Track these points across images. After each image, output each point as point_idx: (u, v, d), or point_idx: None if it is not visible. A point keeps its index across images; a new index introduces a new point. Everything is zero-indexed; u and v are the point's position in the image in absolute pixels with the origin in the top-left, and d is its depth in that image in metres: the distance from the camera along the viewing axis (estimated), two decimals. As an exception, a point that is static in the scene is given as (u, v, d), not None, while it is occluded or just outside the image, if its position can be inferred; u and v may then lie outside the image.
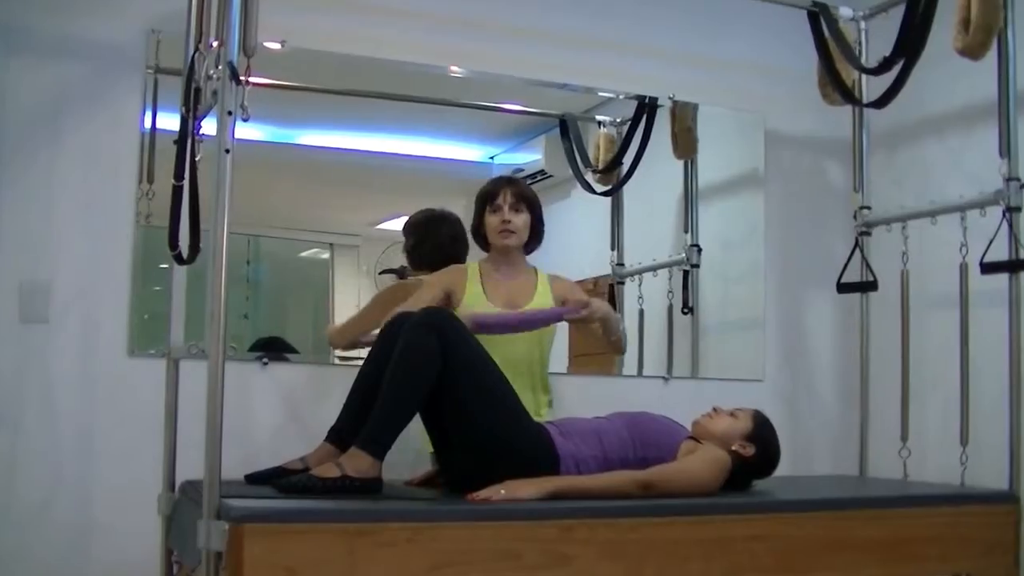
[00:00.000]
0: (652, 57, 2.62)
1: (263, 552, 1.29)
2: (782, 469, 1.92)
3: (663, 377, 2.59)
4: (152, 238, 2.09)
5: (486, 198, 1.98)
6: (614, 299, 2.74)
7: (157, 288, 2.09)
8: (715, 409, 1.88)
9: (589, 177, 2.73)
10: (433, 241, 2.10)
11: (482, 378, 1.68)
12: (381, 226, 2.39)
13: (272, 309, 2.41)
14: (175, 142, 1.74)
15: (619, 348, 2.00)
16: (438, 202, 2.20)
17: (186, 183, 1.68)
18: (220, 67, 1.54)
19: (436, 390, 1.65)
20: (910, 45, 1.99)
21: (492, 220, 2.01)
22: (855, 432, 2.56)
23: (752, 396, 2.46)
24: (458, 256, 2.17)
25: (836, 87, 2.33)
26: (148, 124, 2.15)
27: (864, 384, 2.57)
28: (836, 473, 2.59)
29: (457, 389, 1.64)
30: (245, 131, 1.58)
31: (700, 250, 2.75)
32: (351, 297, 2.35)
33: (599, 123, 2.76)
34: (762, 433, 1.86)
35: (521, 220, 2.05)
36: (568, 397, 2.33)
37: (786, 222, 2.80)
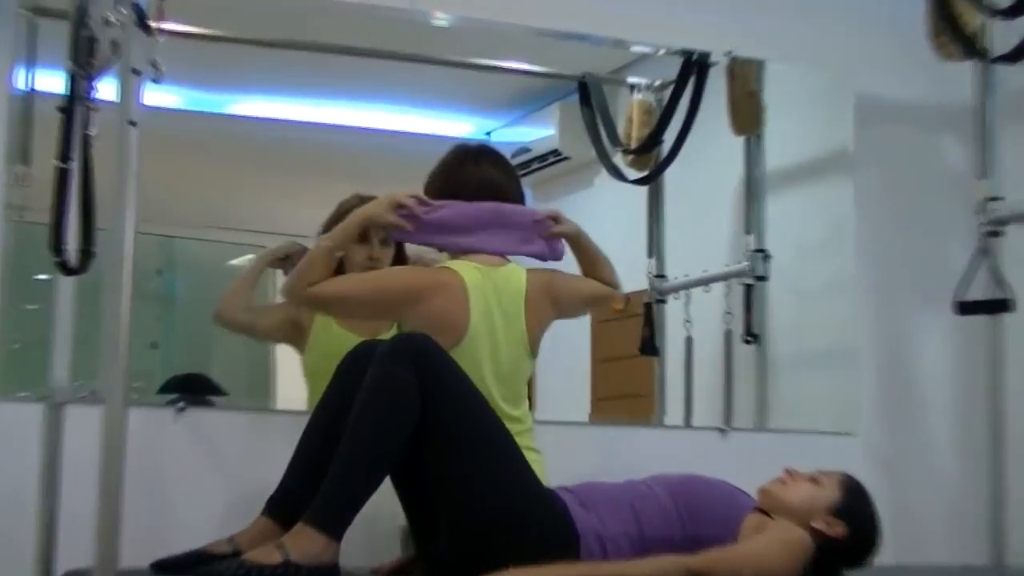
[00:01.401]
0: (703, 0, 2.64)
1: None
2: (883, 555, 1.87)
3: (719, 429, 2.59)
4: (27, 239, 2.03)
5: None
6: (652, 322, 2.83)
7: (32, 307, 2.05)
8: (790, 472, 1.84)
9: (619, 160, 2.78)
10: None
11: (476, 427, 1.65)
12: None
13: (192, 336, 2.43)
14: (60, 109, 1.67)
15: (615, 283, 1.97)
16: (419, 190, 2.13)
17: (75, 165, 1.65)
18: (123, 9, 1.53)
19: (413, 445, 1.62)
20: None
21: (358, 253, 2.05)
22: (985, 504, 2.48)
23: (841, 455, 2.31)
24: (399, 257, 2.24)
25: (954, 37, 2.28)
26: (22, 84, 2.09)
27: (996, 438, 2.51)
28: (960, 562, 2.52)
29: (443, 444, 1.61)
30: (158, 96, 1.57)
31: (768, 257, 2.78)
32: (302, 318, 2.41)
33: (632, 88, 2.80)
34: (855, 505, 1.81)
35: (388, 253, 2.14)
36: (590, 455, 2.34)
37: (884, 219, 2.77)
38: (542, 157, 3.49)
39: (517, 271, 1.89)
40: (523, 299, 1.85)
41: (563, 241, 1.95)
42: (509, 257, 1.91)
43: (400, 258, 2.15)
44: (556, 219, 1.94)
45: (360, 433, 1.57)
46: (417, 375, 1.61)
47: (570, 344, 3.33)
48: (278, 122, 2.59)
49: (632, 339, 2.93)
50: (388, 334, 1.95)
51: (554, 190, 3.42)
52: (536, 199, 3.53)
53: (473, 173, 1.89)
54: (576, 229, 1.96)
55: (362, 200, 2.10)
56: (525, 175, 3.56)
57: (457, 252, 1.88)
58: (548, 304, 1.89)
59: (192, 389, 2.34)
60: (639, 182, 2.79)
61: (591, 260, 1.95)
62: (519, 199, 1.95)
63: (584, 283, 1.95)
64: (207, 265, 2.48)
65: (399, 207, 1.83)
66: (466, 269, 1.83)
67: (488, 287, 1.83)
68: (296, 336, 2.24)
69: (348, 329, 2.17)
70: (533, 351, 1.87)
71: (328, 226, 2.16)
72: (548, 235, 1.91)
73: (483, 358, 1.76)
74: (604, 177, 2.85)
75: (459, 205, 1.85)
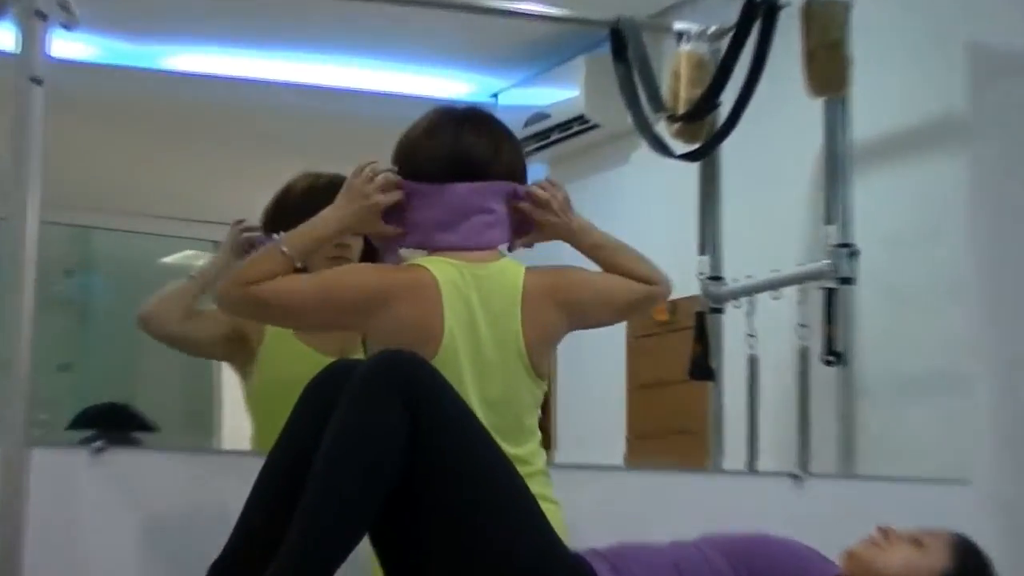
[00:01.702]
0: (770, -79, 2.67)
1: None
2: (1009, 641, 1.96)
3: (792, 475, 2.51)
4: None
5: (314, 208, 1.92)
6: (704, 338, 2.83)
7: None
8: (885, 532, 1.80)
9: (663, 128, 2.79)
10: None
11: (482, 473, 1.61)
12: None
13: (113, 355, 2.60)
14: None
15: (655, 278, 1.93)
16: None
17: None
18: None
19: (400, 497, 1.58)
20: None
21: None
22: None
23: (951, 508, 2.30)
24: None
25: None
26: None
27: None
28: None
29: (438, 494, 1.57)
30: (70, 47, 1.56)
31: (854, 253, 2.74)
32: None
33: (679, 36, 2.78)
34: (969, 574, 1.80)
35: (357, 245, 2.15)
36: (625, 508, 2.31)
37: (1006, 204, 2.74)
38: (563, 125, 3.59)
39: (511, 267, 1.85)
40: (518, 301, 1.81)
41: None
42: (504, 251, 1.89)
43: (372, 250, 2.12)
44: (540, 196, 1.87)
45: (332, 485, 1.53)
46: (407, 411, 1.57)
47: (599, 365, 3.50)
48: (227, 81, 2.63)
49: (679, 359, 2.93)
50: (361, 352, 1.94)
51: (578, 168, 3.68)
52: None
53: (444, 145, 1.84)
54: (567, 225, 1.89)
55: (314, 182, 2.13)
56: (540, 149, 3.73)
57: (431, 250, 1.87)
58: (555, 309, 1.84)
59: (113, 423, 2.38)
60: (688, 157, 2.79)
61: (609, 252, 1.91)
62: (516, 180, 1.89)
63: (610, 281, 1.89)
64: (133, 264, 2.62)
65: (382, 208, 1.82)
66: (438, 265, 1.81)
67: (468, 285, 1.80)
68: (240, 353, 2.22)
69: (310, 344, 2.16)
70: (537, 370, 1.81)
71: (271, 218, 2.16)
72: (524, 215, 1.87)
73: (464, 376, 1.73)
74: (644, 151, 2.86)
75: (421, 192, 1.82)
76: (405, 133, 1.87)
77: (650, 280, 1.90)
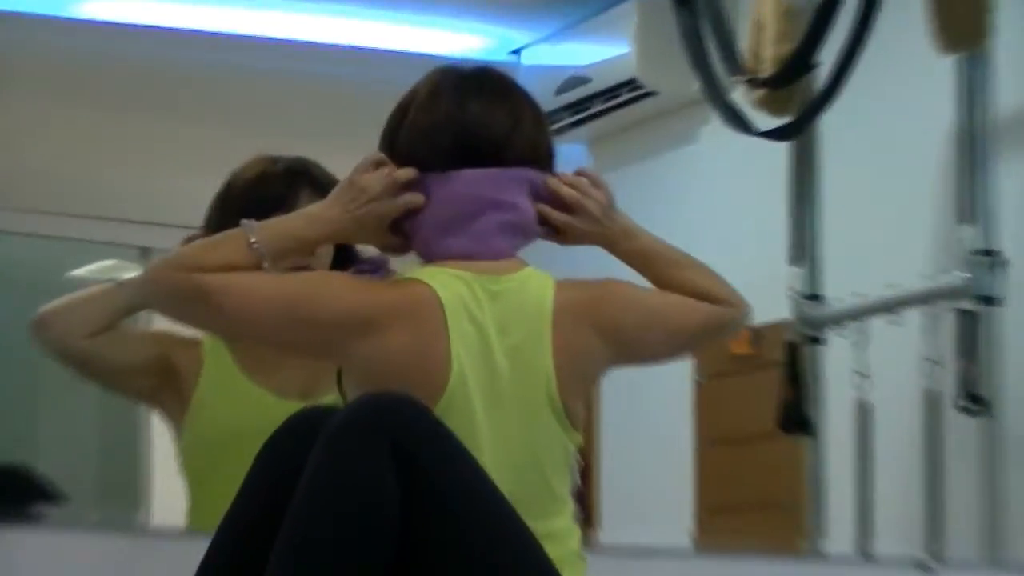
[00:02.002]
0: None
1: None
2: None
3: (919, 563, 2.54)
4: None
5: (267, 200, 2.03)
6: (798, 377, 2.87)
7: None
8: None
9: (741, 95, 2.86)
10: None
11: (501, 558, 1.66)
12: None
13: (5, 398, 2.44)
14: None
15: (728, 296, 1.98)
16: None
17: None
18: None
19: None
20: None
21: None
22: None
23: None
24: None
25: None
26: None
27: None
28: None
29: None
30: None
31: (1001, 264, 2.78)
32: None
33: (762, -25, 3.04)
34: None
35: (325, 258, 2.20)
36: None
37: None
38: (608, 93, 3.55)
39: (537, 279, 1.90)
40: (547, 326, 1.86)
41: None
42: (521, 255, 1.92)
43: (346, 255, 2.17)
44: (566, 196, 1.91)
45: (302, 572, 1.60)
46: (399, 472, 1.63)
47: (656, 414, 3.48)
48: (169, 33, 2.64)
49: (764, 406, 2.97)
50: (334, 394, 1.98)
51: (626, 150, 3.63)
52: (596, 164, 3.70)
53: (446, 117, 1.90)
54: (605, 233, 1.94)
55: (268, 168, 2.19)
56: (576, 124, 3.67)
57: (433, 259, 1.92)
58: (595, 335, 1.88)
59: (6, 492, 2.34)
60: (775, 135, 2.84)
61: (664, 264, 1.96)
62: (540, 165, 1.94)
63: (667, 300, 1.94)
64: (32, 277, 2.49)
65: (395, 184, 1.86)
66: (441, 279, 1.86)
67: (481, 305, 1.85)
68: (169, 393, 2.25)
69: (264, 384, 2.21)
70: (571, 417, 1.86)
71: (210, 215, 2.22)
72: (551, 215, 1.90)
73: (477, 428, 1.79)
74: (715, 128, 2.94)
75: (426, 182, 1.88)
76: (397, 104, 1.91)
77: (721, 299, 1.94)
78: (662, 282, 1.91)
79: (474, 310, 1.82)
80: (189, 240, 2.06)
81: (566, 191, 1.88)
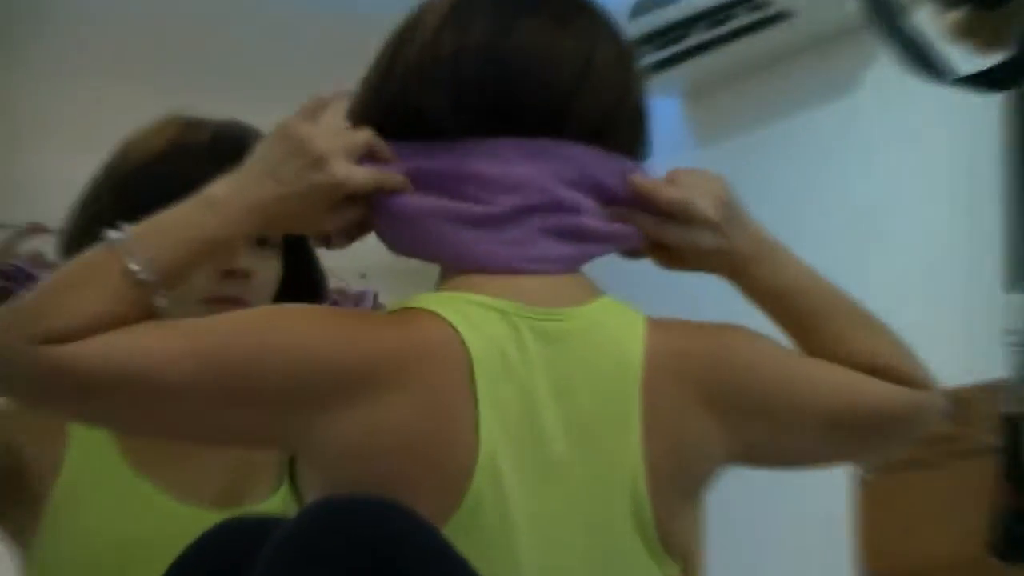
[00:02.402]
0: None
1: None
2: None
3: None
4: None
5: (177, 187, 1.98)
6: (1020, 465, 2.92)
7: None
8: None
9: (928, 19, 2.89)
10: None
11: None
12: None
13: None
14: None
15: (918, 378, 1.93)
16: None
17: None
18: None
19: None
20: None
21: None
22: None
23: None
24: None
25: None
26: None
27: None
28: None
29: None
30: None
31: None
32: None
33: None
34: None
35: (273, 267, 2.24)
36: None
37: None
38: (712, 15, 3.69)
39: (619, 314, 1.85)
40: (635, 392, 1.81)
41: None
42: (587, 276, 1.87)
43: (304, 275, 2.19)
44: (657, 196, 1.85)
45: None
46: None
47: (797, 527, 3.56)
48: None
49: (967, 517, 2.98)
50: (273, 499, 2.05)
51: (742, 105, 3.70)
52: (693, 129, 3.84)
53: (481, 46, 1.82)
54: (728, 249, 1.88)
55: (181, 135, 2.21)
56: (667, 63, 3.84)
57: (452, 267, 1.85)
58: (709, 416, 1.84)
59: None
60: (983, 83, 2.85)
61: (824, 317, 1.93)
62: (621, 140, 1.82)
63: (829, 375, 1.89)
64: None
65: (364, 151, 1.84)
66: (466, 309, 1.81)
67: (528, 356, 1.82)
68: (12, 498, 2.24)
69: (160, 483, 2.19)
70: (668, 543, 1.81)
71: (88, 215, 2.21)
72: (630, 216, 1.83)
73: (516, 554, 1.78)
74: (884, 72, 3.09)
75: (424, 155, 1.81)
76: (393, 32, 1.87)
77: (915, 381, 1.87)
78: (818, 342, 1.88)
79: (517, 363, 1.78)
80: (35, 257, 2.23)
81: (648, 183, 1.81)
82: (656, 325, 1.78)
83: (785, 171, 3.58)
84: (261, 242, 2.18)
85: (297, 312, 1.81)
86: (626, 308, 1.81)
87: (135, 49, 4.29)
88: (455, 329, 1.73)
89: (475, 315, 1.76)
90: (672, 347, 1.78)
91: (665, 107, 3.77)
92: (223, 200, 1.80)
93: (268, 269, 2.16)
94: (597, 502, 1.75)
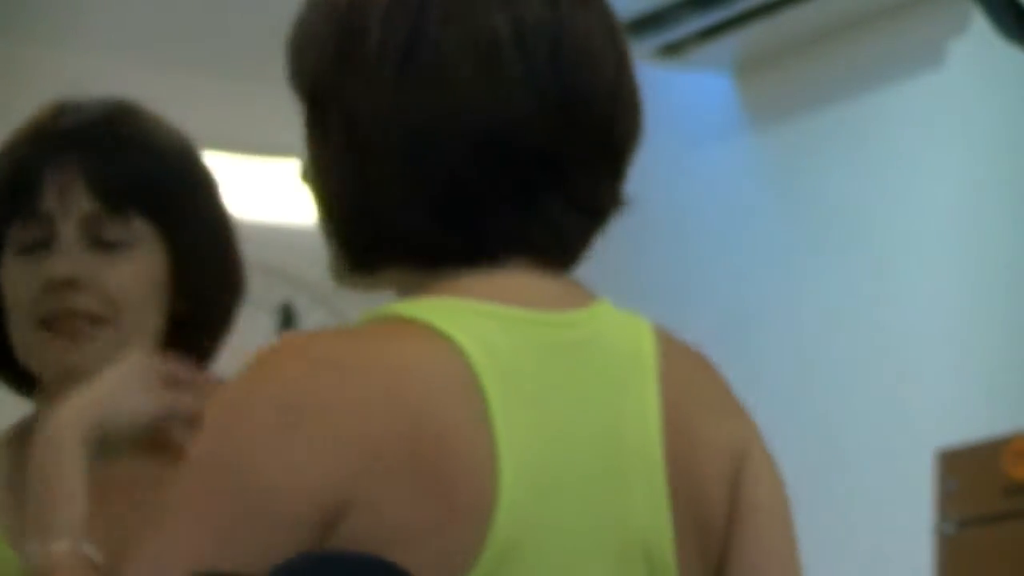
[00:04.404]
0: None
1: None
2: None
3: None
4: None
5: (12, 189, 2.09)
6: None
7: None
8: None
9: None
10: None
11: None
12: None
13: None
14: None
15: None
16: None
17: None
18: None
19: None
20: None
21: (25, 273, 2.19)
22: None
23: None
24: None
25: None
26: None
27: None
28: None
29: None
30: None
31: None
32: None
33: None
34: None
35: (128, 272, 2.19)
36: None
37: None
38: None
39: (622, 323, 1.82)
40: (654, 417, 1.76)
41: None
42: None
43: (188, 336, 2.13)
44: None
45: None
46: None
47: None
48: None
49: None
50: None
51: (809, 81, 3.76)
52: (746, 111, 3.91)
53: (539, 24, 1.69)
54: None
55: (42, 125, 2.17)
56: (706, 34, 3.83)
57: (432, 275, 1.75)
58: (726, 488, 1.77)
59: None
60: None
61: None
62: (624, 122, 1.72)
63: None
64: None
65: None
66: (466, 320, 1.75)
67: (549, 374, 1.77)
68: None
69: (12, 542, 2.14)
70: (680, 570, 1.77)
71: None
72: None
73: None
74: (978, 40, 3.11)
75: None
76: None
77: None
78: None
79: (540, 381, 1.70)
80: None
81: None
82: (665, 338, 1.74)
83: (854, 162, 3.56)
84: (105, 244, 2.09)
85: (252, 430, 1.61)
86: (625, 314, 1.77)
87: (144, 28, 4.40)
88: (455, 345, 1.63)
89: (467, 318, 1.70)
90: (686, 363, 1.72)
91: (712, 84, 3.74)
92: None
93: (119, 275, 2.08)
94: (619, 533, 1.67)
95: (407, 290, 1.69)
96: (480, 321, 1.68)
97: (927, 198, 3.58)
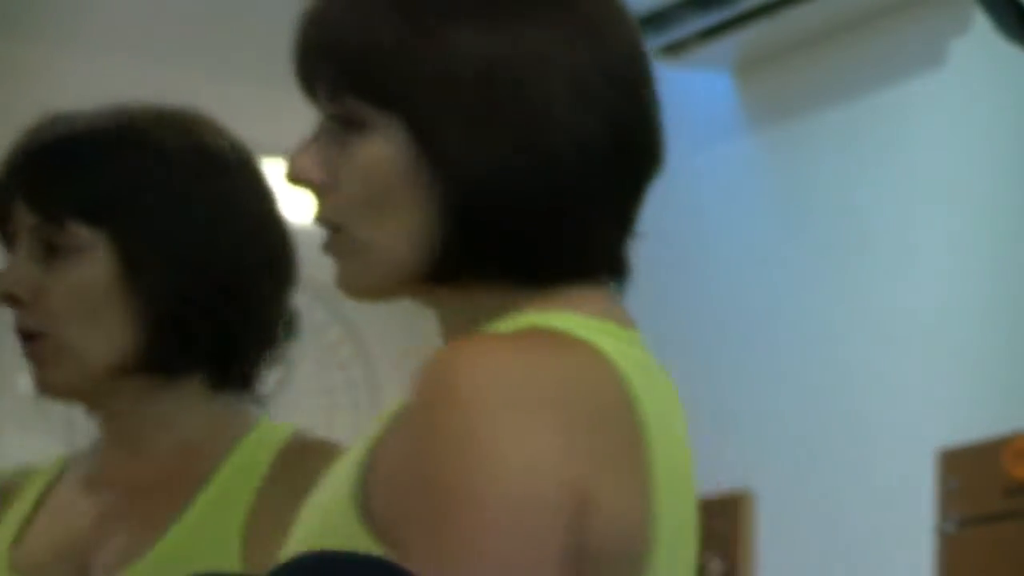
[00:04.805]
0: None
1: None
2: None
3: None
4: None
5: None
6: None
7: None
8: None
9: None
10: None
11: None
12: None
13: None
14: None
15: None
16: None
17: None
18: None
19: None
20: None
21: None
22: None
23: None
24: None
25: None
26: None
27: None
28: None
29: None
30: None
31: None
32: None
33: None
34: None
35: (67, 281, 2.15)
36: None
37: None
38: None
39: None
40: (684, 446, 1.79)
41: None
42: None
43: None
44: None
45: None
46: None
47: None
48: None
49: None
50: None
51: (810, 80, 3.85)
52: (746, 112, 3.98)
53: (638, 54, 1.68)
54: None
55: (31, 135, 2.16)
56: (707, 34, 3.86)
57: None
58: None
59: None
60: None
61: None
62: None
63: None
64: None
65: None
66: (601, 340, 1.69)
67: (664, 394, 1.75)
68: None
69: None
70: None
71: None
72: None
73: None
74: (979, 40, 3.15)
75: None
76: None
77: None
78: None
79: (659, 408, 1.66)
80: None
81: None
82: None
83: (855, 162, 3.61)
84: (55, 255, 2.05)
85: (493, 434, 1.52)
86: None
87: (145, 29, 4.61)
88: (609, 360, 1.59)
89: (605, 340, 1.63)
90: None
91: (712, 83, 3.79)
92: None
93: (57, 283, 2.05)
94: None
95: (493, 305, 1.58)
96: (607, 340, 1.63)
97: (927, 198, 3.62)
